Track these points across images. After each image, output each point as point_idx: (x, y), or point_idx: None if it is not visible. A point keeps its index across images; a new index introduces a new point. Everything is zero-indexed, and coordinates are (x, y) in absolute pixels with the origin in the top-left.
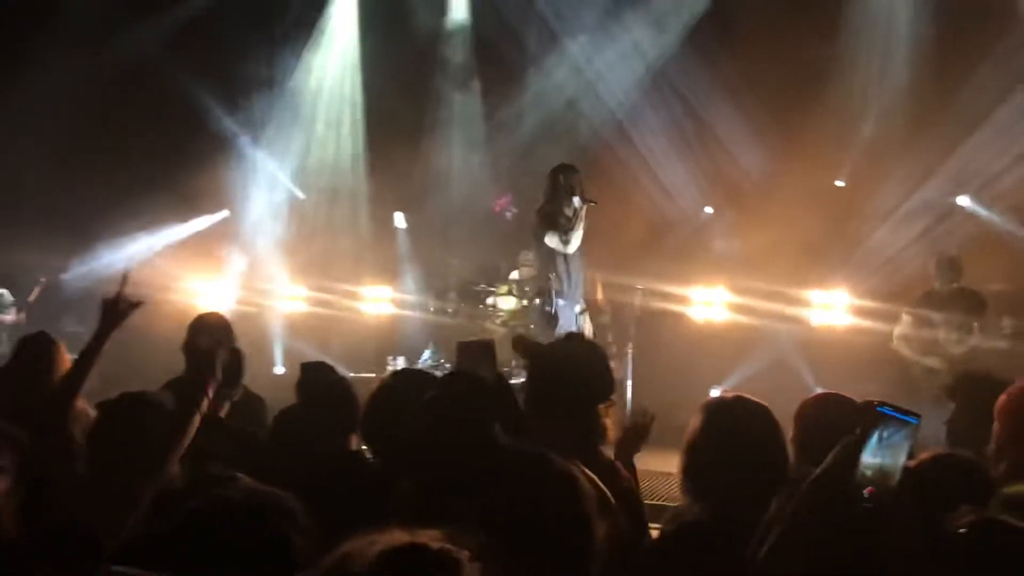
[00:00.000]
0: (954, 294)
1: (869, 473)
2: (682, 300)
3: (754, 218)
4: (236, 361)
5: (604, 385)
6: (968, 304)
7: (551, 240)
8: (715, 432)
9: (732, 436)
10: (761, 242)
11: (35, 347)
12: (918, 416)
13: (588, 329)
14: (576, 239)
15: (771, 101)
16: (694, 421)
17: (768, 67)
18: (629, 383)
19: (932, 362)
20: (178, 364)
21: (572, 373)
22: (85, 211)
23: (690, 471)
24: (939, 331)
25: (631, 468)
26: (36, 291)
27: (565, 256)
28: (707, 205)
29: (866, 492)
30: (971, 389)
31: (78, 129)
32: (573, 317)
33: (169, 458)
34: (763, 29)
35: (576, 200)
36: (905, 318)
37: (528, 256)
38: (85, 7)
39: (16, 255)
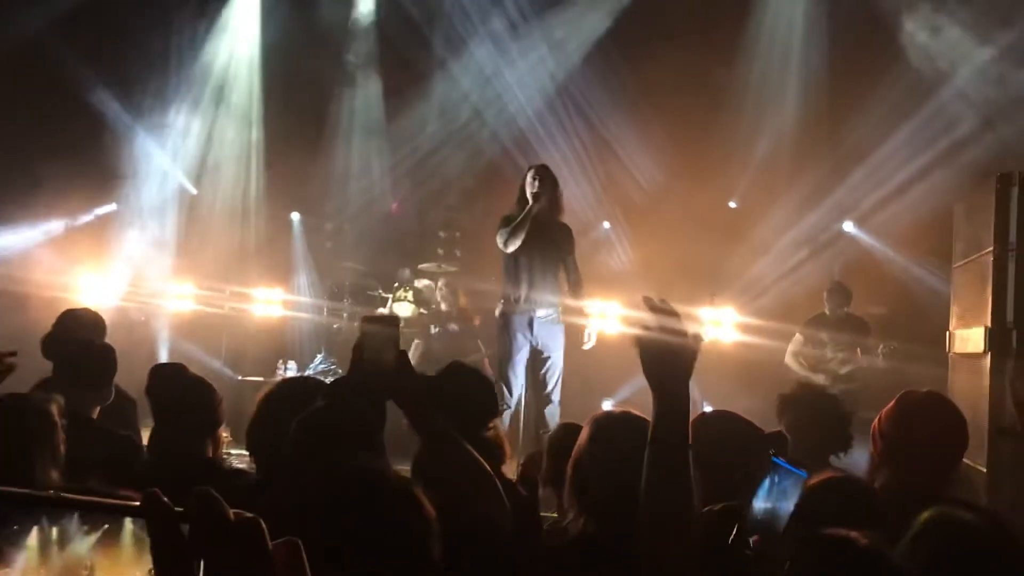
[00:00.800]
0: (842, 319)
1: (759, 517)
2: (577, 312)
3: (650, 234)
4: (107, 360)
5: (487, 407)
6: (854, 328)
7: (498, 240)
8: (601, 447)
9: (617, 451)
10: (655, 257)
11: None
12: (807, 472)
13: (551, 338)
14: (516, 239)
15: (670, 120)
16: (581, 435)
17: (668, 86)
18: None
19: (819, 379)
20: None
21: (452, 400)
22: None
23: (575, 485)
24: (827, 351)
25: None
26: None
27: (516, 259)
28: (605, 220)
29: (751, 540)
30: (801, 403)
31: None
32: (526, 325)
33: (43, 466)
34: (665, 49)
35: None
36: (797, 337)
37: (429, 264)
38: None
39: None
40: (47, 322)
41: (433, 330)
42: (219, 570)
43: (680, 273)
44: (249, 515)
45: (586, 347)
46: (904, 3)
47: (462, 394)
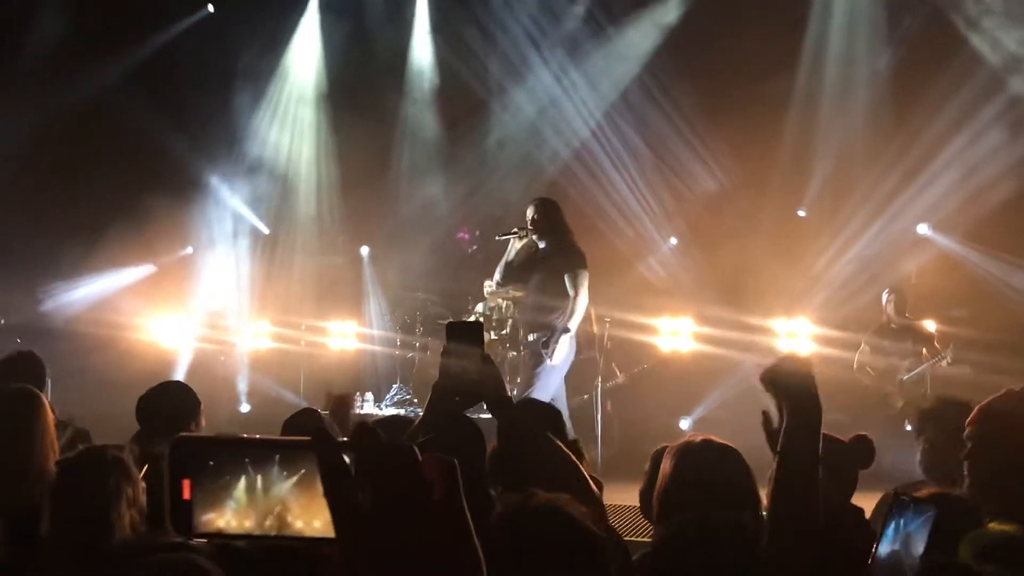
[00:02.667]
0: (903, 326)
1: (883, 563)
2: (649, 330)
3: (718, 247)
4: (187, 402)
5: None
6: (916, 335)
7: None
8: (685, 478)
9: (702, 482)
10: (725, 271)
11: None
12: (936, 507)
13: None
14: (496, 272)
15: (732, 131)
16: (665, 464)
17: (728, 96)
18: (598, 416)
19: (887, 388)
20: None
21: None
22: (46, 250)
23: (662, 518)
24: (891, 359)
25: None
26: None
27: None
28: (672, 235)
29: None
30: (942, 418)
31: (38, 168)
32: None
33: (119, 515)
34: (723, 62)
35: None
36: (863, 347)
37: (490, 286)
38: (45, 46)
39: None
40: (130, 362)
41: (510, 354)
42: (380, 489)
43: (751, 285)
44: (403, 443)
45: (548, 360)
46: None
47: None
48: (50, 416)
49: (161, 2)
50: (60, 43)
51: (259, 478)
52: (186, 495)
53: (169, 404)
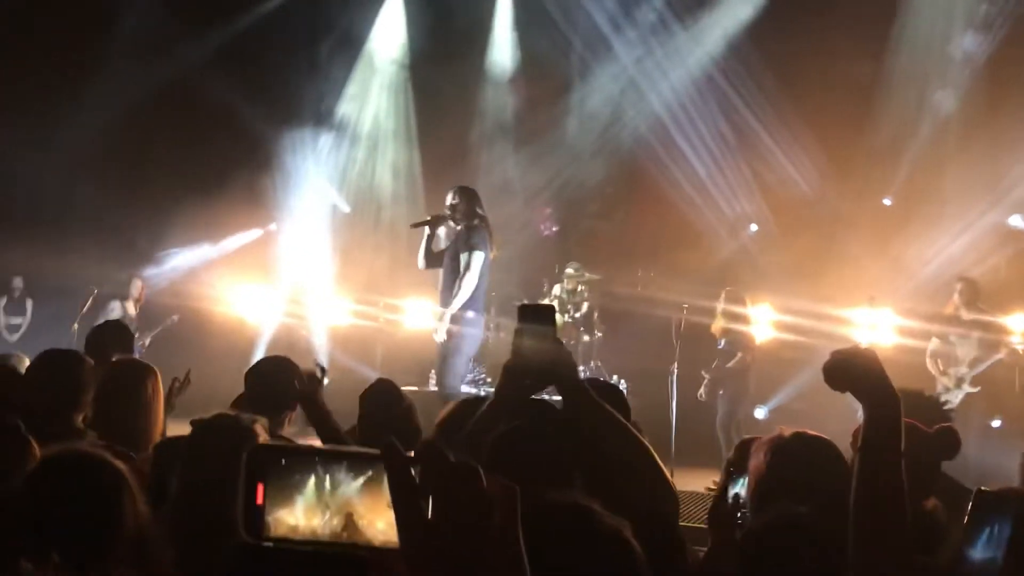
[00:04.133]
0: (974, 317)
1: (975, 566)
2: (741, 318)
3: (800, 235)
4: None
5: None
6: (986, 327)
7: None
8: (781, 475)
9: (798, 478)
10: (807, 260)
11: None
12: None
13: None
14: (419, 257)
15: (818, 117)
16: (758, 457)
17: (815, 82)
18: (673, 403)
19: (946, 381)
20: (231, 373)
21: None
22: (136, 224)
23: (756, 513)
24: (957, 351)
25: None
26: (88, 303)
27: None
28: (752, 222)
29: None
30: None
31: (129, 143)
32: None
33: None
34: (809, 44)
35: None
36: (935, 338)
37: (570, 270)
38: (132, 25)
39: (68, 266)
40: (216, 334)
41: (584, 338)
42: (443, 504)
43: (833, 274)
44: (470, 462)
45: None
46: None
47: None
48: (159, 386)
49: None
50: (153, 22)
51: (327, 477)
52: (259, 500)
53: (276, 381)
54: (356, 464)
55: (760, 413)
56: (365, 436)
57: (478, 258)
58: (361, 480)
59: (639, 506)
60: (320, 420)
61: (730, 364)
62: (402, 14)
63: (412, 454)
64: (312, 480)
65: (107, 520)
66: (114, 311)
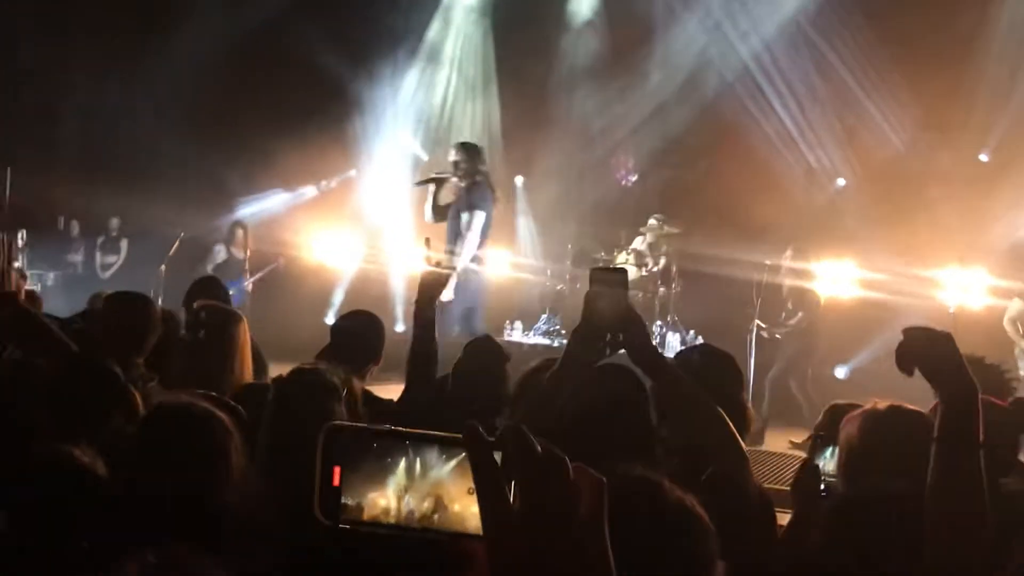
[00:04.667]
0: None
1: None
2: (807, 275)
3: (891, 190)
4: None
5: (730, 382)
6: None
7: None
8: (875, 448)
9: (893, 453)
10: (897, 216)
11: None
12: None
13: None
14: (426, 211)
15: (913, 68)
16: (851, 427)
17: (912, 33)
18: (752, 361)
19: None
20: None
21: (711, 371)
22: (218, 170)
23: (845, 477)
24: None
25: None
26: (175, 246)
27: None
28: (840, 176)
29: None
30: None
31: (210, 90)
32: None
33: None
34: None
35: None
36: (1016, 301)
37: (653, 222)
38: None
39: (160, 209)
40: (298, 278)
41: (661, 290)
42: (527, 493)
43: (925, 233)
44: (556, 450)
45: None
46: None
47: (707, 367)
48: (247, 334)
49: None
50: None
51: (418, 460)
52: (336, 482)
53: (358, 335)
54: (447, 447)
55: (841, 373)
56: (457, 388)
57: (479, 217)
58: (453, 463)
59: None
60: (425, 333)
61: (792, 322)
62: None
63: (497, 438)
64: (403, 464)
65: (213, 472)
66: (219, 254)
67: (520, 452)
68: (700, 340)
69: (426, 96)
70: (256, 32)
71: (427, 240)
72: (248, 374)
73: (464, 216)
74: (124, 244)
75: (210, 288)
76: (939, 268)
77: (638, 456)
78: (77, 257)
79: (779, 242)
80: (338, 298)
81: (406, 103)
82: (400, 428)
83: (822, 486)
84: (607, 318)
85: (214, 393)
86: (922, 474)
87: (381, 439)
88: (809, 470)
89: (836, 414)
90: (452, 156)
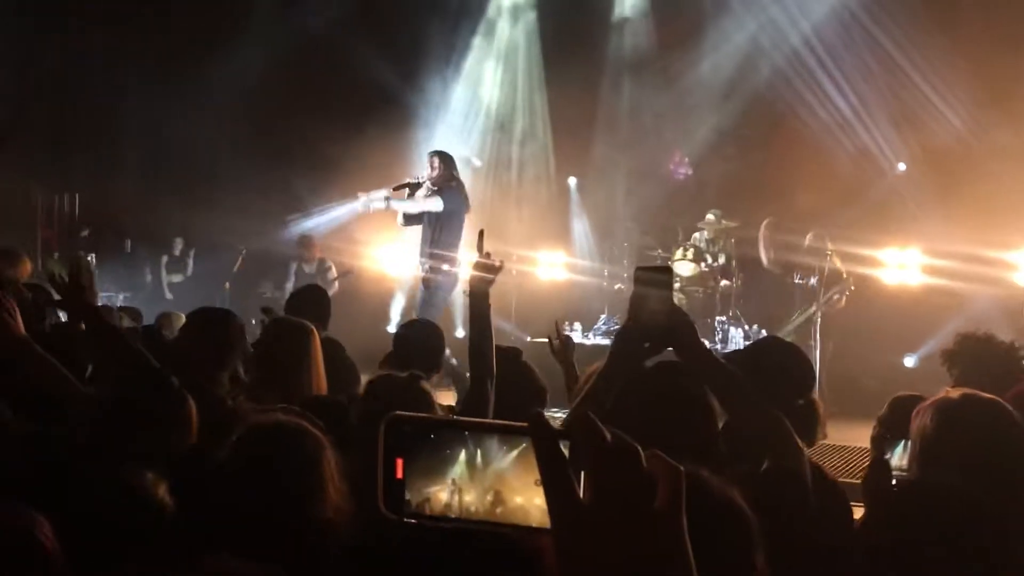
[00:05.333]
0: None
1: None
2: (872, 262)
3: (954, 175)
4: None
5: (801, 380)
6: None
7: None
8: (950, 439)
9: (969, 442)
10: (960, 199)
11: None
12: None
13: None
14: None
15: (976, 46)
16: (923, 418)
17: (965, 10)
18: (817, 352)
19: None
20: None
21: (767, 372)
22: (278, 183)
23: (919, 469)
24: None
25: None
26: (239, 262)
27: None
28: (900, 161)
29: None
30: None
31: (268, 106)
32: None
33: None
34: None
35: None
36: None
37: (711, 216)
38: None
39: (222, 225)
40: (359, 287)
41: (722, 283)
42: (598, 485)
43: (990, 213)
44: (628, 439)
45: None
46: None
47: (776, 366)
48: (318, 347)
49: None
50: None
51: (479, 452)
52: (399, 474)
53: (419, 343)
54: (508, 437)
55: (910, 362)
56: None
57: (436, 203)
58: (515, 453)
59: (768, 466)
60: (482, 321)
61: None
62: None
63: (563, 427)
64: (463, 455)
65: (309, 493)
66: (293, 272)
67: (590, 441)
68: (764, 333)
69: (476, 102)
70: (311, 46)
71: (481, 232)
72: (322, 386)
73: (435, 219)
74: (189, 262)
75: (310, 299)
76: (1008, 250)
77: (701, 456)
78: (145, 278)
79: (839, 230)
80: (398, 306)
81: (457, 110)
82: (460, 417)
83: (893, 482)
84: (653, 318)
85: (297, 408)
86: (1000, 464)
87: (440, 430)
88: (879, 466)
89: (899, 406)
90: (427, 163)
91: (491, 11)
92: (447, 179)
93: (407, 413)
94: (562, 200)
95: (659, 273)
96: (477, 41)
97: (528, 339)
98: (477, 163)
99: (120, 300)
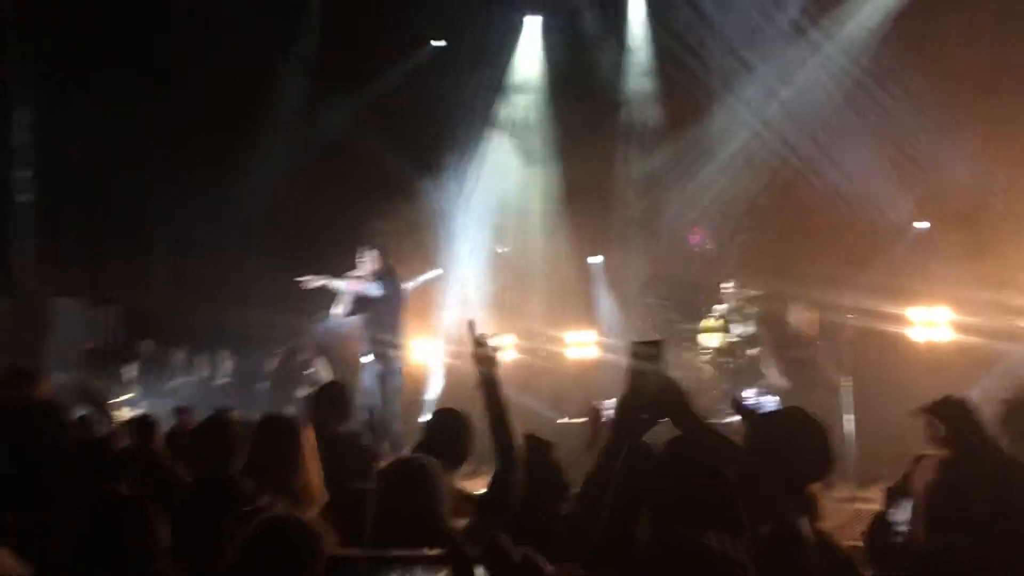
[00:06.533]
0: None
1: None
2: (899, 320)
3: (977, 233)
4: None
5: (824, 463)
6: None
7: None
8: (952, 497)
9: (973, 502)
10: (984, 254)
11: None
12: None
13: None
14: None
15: (979, 102)
16: (922, 480)
17: (973, 67)
18: (851, 417)
19: None
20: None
21: (791, 446)
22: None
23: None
24: None
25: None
26: (276, 362)
27: None
28: (924, 219)
29: None
30: None
31: (292, 206)
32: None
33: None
34: (966, 30)
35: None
36: None
37: (726, 288)
38: (290, 93)
39: (251, 327)
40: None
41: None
42: None
43: (1017, 268)
44: (535, 559)
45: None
46: None
47: (793, 445)
48: (309, 443)
49: (392, 42)
50: (305, 90)
51: None
52: None
53: (449, 432)
54: (432, 566)
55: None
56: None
57: (377, 288)
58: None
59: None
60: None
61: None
62: (540, 54)
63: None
64: None
65: None
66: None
67: (500, 565)
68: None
69: (494, 188)
70: (333, 143)
71: (470, 323)
72: (313, 479)
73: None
74: (228, 365)
75: (331, 396)
76: None
77: (720, 523)
78: (189, 378)
79: (864, 292)
80: (431, 393)
81: (475, 199)
82: (387, 553)
83: (897, 539)
84: (647, 390)
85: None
86: (1012, 526)
87: (372, 563)
88: (879, 524)
89: (917, 463)
90: (365, 255)
91: (504, 102)
92: (381, 271)
93: (341, 552)
94: (586, 279)
95: (651, 347)
96: (490, 130)
97: (563, 420)
98: (499, 250)
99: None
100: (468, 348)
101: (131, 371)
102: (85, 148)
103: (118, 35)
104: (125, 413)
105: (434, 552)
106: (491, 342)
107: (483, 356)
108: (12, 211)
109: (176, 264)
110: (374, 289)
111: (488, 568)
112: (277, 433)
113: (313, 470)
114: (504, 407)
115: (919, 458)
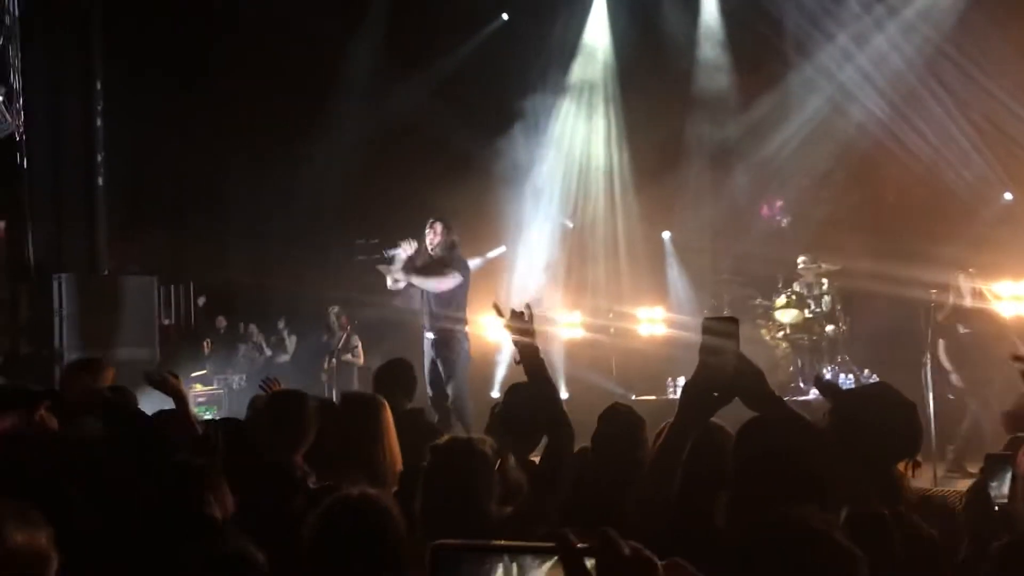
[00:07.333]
0: None
1: None
2: (984, 296)
3: None
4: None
5: (911, 440)
6: None
7: None
8: None
9: None
10: None
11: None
12: None
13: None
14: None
15: None
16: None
17: None
18: (930, 395)
19: None
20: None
21: (879, 423)
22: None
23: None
24: None
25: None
26: (342, 338)
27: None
28: (1006, 191)
29: None
30: None
31: (362, 183)
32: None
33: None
34: None
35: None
36: None
37: (801, 263)
38: (360, 71)
39: (317, 305)
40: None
41: (828, 328)
42: None
43: None
44: (645, 553)
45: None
46: None
47: (881, 422)
48: (389, 419)
49: (460, 18)
50: (374, 69)
51: (515, 567)
52: None
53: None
54: (541, 555)
55: None
56: (599, 456)
57: (450, 280)
58: (547, 567)
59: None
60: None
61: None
62: (607, 28)
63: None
64: (501, 568)
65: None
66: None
67: (611, 557)
68: (875, 378)
69: (562, 161)
70: (403, 120)
71: (495, 305)
72: (396, 458)
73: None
74: (292, 342)
75: (395, 372)
76: None
77: (809, 500)
78: (258, 356)
79: (946, 267)
80: (501, 370)
81: (544, 172)
82: (498, 542)
83: (995, 507)
84: (719, 368)
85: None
86: None
87: (481, 552)
88: (978, 492)
89: (1017, 445)
90: (430, 229)
91: (573, 77)
92: (448, 246)
93: (449, 541)
94: (657, 255)
95: (725, 324)
96: (563, 109)
97: (632, 397)
98: (569, 224)
99: (236, 383)
100: (517, 323)
101: (204, 348)
102: (160, 131)
103: (190, 20)
104: (197, 388)
105: (544, 544)
106: (536, 313)
107: (519, 328)
108: (94, 192)
109: (250, 243)
110: (452, 282)
111: (598, 561)
112: (360, 411)
113: (394, 448)
114: (548, 380)
115: (1015, 439)
